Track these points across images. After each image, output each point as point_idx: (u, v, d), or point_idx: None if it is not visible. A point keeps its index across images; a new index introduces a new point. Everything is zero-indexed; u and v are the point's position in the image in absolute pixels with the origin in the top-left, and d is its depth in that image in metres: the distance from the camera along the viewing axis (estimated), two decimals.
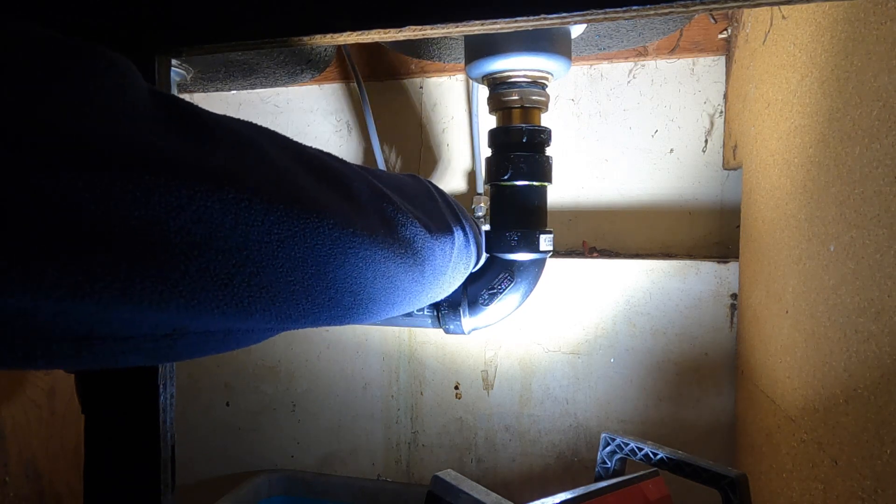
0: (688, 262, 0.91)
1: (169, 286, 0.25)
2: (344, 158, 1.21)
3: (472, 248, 0.57)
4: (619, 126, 1.00)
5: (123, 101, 0.25)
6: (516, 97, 0.68)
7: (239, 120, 0.33)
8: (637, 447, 0.65)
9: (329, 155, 0.40)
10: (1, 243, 0.20)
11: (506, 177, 0.69)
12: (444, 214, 0.51)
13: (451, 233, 0.50)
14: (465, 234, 0.54)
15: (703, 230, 0.98)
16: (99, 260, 0.23)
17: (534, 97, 0.69)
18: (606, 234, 1.02)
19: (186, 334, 0.29)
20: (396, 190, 0.46)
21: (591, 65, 1.01)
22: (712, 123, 0.96)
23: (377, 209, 0.40)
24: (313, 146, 0.39)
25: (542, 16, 0.35)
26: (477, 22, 0.36)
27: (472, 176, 1.07)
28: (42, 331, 0.24)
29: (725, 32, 0.93)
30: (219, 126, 0.30)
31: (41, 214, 0.21)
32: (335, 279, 0.34)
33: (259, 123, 0.34)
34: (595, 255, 1.00)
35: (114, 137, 0.23)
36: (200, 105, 0.30)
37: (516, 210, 0.70)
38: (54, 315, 0.24)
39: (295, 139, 0.36)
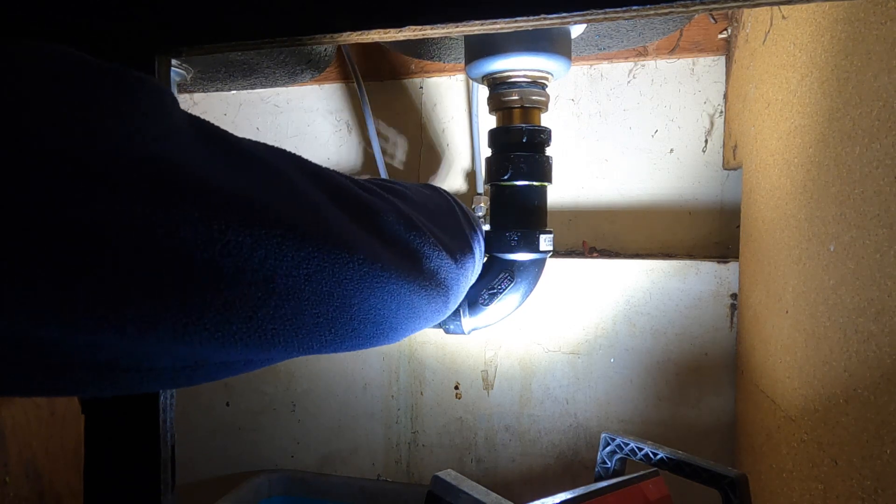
0: (688, 262, 0.91)
1: (194, 318, 0.25)
2: (342, 158, 1.19)
3: (482, 255, 0.57)
4: (619, 126, 1.00)
5: (160, 125, 0.25)
6: (516, 97, 0.68)
7: (269, 147, 0.33)
8: (637, 447, 0.65)
9: (356, 182, 0.39)
10: (31, 272, 0.20)
11: (506, 177, 0.69)
12: (464, 232, 0.51)
13: (472, 253, 0.50)
14: (479, 241, 0.54)
15: (703, 230, 0.98)
16: (125, 290, 0.22)
17: (534, 97, 0.69)
18: (606, 234, 1.02)
19: (207, 364, 0.29)
20: (422, 209, 0.45)
21: (591, 65, 1.01)
22: (712, 123, 0.96)
23: (405, 241, 0.40)
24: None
25: (542, 16, 0.35)
26: (477, 22, 0.36)
27: (472, 176, 1.07)
28: (66, 361, 0.24)
29: (725, 32, 0.93)
30: (252, 155, 0.30)
31: (70, 242, 0.20)
32: (359, 311, 0.34)
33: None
34: (595, 255, 1.00)
35: (146, 162, 0.23)
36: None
37: (516, 210, 0.70)
38: (79, 346, 0.23)
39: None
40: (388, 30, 0.37)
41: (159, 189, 0.23)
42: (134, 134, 0.23)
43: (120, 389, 0.27)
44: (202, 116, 0.29)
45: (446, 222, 0.49)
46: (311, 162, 0.35)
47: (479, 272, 0.56)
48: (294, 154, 0.34)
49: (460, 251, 0.47)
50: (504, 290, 0.70)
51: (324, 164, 0.38)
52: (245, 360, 0.31)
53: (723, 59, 0.96)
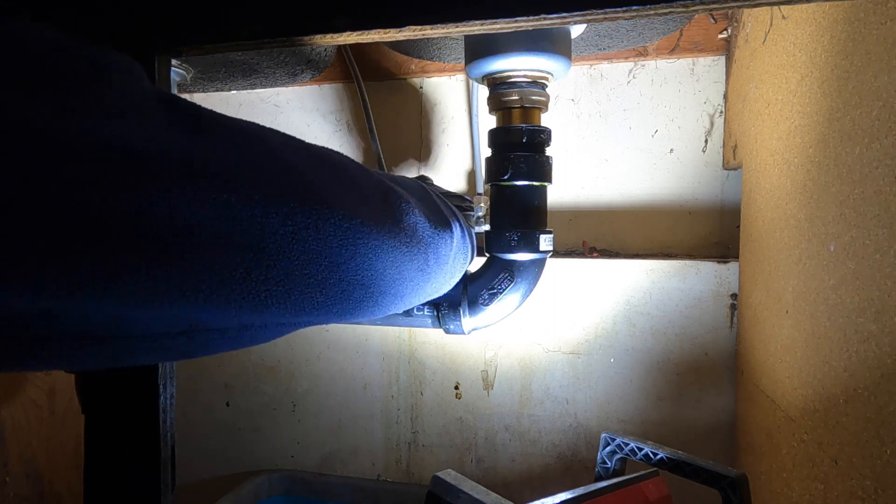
0: (688, 262, 0.91)
1: (191, 283, 0.26)
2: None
3: (468, 243, 0.58)
4: (619, 126, 1.00)
5: (133, 102, 0.25)
6: (516, 97, 0.68)
7: (241, 119, 0.34)
8: (637, 447, 0.65)
9: (329, 149, 0.40)
10: (22, 243, 0.20)
11: (506, 177, 0.69)
12: (440, 207, 0.52)
13: (450, 224, 0.51)
14: (462, 226, 0.55)
15: (703, 230, 0.98)
16: (121, 258, 0.23)
17: (534, 97, 0.69)
18: (606, 234, 1.02)
19: (202, 331, 0.30)
20: (395, 182, 0.46)
21: (591, 65, 1.01)
22: (712, 123, 0.96)
23: (382, 199, 0.40)
24: (318, 144, 0.39)
25: (542, 16, 0.35)
26: (477, 22, 0.36)
27: (472, 176, 1.07)
28: (60, 331, 0.24)
29: (725, 32, 0.93)
30: (225, 124, 0.31)
31: (62, 213, 0.21)
32: (347, 271, 0.34)
33: (260, 121, 0.34)
34: (595, 255, 1.00)
35: (127, 136, 0.24)
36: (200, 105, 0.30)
37: (516, 210, 0.70)
38: (74, 315, 0.24)
39: None
40: (388, 30, 0.37)
41: (142, 160, 0.24)
42: (112, 109, 0.24)
43: (117, 360, 0.27)
44: None
45: (420, 196, 0.50)
46: (282, 132, 0.36)
47: (465, 253, 0.56)
48: (268, 126, 0.35)
49: (437, 219, 0.48)
50: (504, 290, 0.70)
51: None
52: (239, 325, 0.31)
53: (723, 59, 0.96)
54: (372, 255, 0.36)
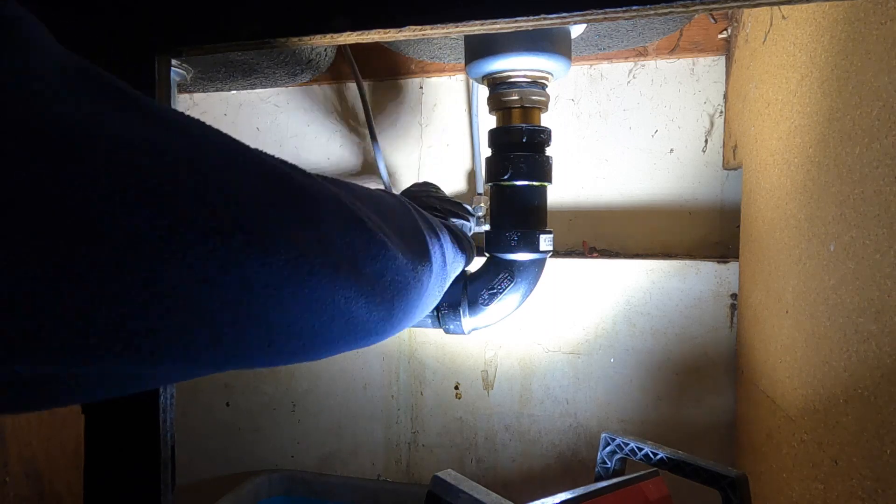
0: (688, 262, 0.91)
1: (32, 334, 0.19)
2: (342, 158, 1.20)
3: (459, 257, 0.55)
4: (619, 126, 1.00)
5: (23, 70, 0.19)
6: (516, 97, 0.68)
7: (183, 113, 0.26)
8: (637, 447, 0.65)
9: (294, 167, 0.31)
10: (22, 244, 0.18)
11: (506, 177, 0.69)
12: (420, 230, 0.45)
13: (428, 254, 0.44)
14: (442, 251, 0.49)
15: (703, 230, 0.98)
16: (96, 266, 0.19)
17: (534, 97, 0.69)
18: (606, 234, 1.02)
19: (61, 378, 0.23)
20: (372, 206, 0.39)
21: (591, 65, 1.01)
22: (712, 123, 0.96)
23: (345, 237, 0.32)
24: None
25: (542, 16, 0.35)
26: (477, 22, 0.36)
27: (472, 176, 1.07)
28: None
29: (725, 32, 0.93)
30: (151, 108, 0.23)
31: (61, 215, 0.18)
32: (278, 323, 0.27)
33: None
34: (595, 255, 1.00)
35: (128, 137, 0.20)
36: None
37: (516, 210, 0.70)
38: None
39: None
40: (388, 30, 0.37)
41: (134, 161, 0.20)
42: (105, 107, 0.20)
43: None
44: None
45: (398, 219, 0.43)
46: (235, 139, 0.28)
47: (442, 283, 0.50)
48: (205, 123, 0.27)
49: (412, 252, 0.40)
50: (504, 290, 0.70)
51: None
52: (126, 374, 0.25)
53: (723, 59, 0.96)
54: (317, 306, 0.29)
